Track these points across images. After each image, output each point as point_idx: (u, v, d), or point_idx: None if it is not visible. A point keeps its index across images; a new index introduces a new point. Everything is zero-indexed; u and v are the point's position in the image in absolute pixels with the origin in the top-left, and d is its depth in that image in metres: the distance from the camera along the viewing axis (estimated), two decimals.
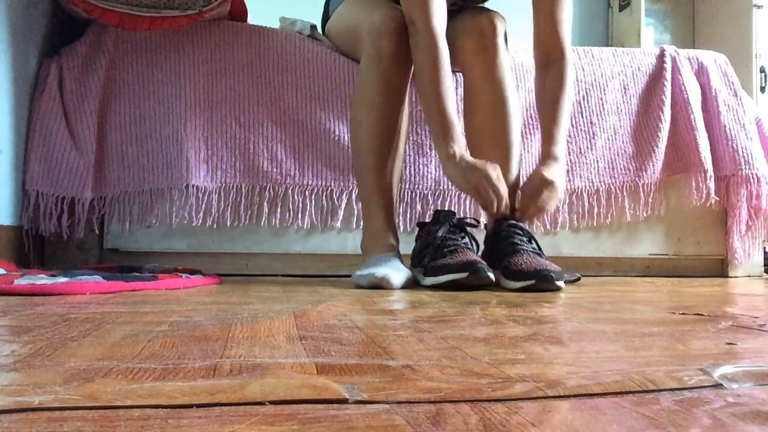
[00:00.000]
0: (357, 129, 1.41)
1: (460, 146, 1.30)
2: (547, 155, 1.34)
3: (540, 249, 1.31)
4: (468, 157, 1.28)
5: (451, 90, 1.31)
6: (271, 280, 1.49)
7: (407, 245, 1.45)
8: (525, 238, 1.31)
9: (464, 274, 1.19)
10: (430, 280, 1.26)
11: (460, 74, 1.68)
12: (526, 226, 1.34)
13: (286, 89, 1.63)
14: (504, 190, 1.27)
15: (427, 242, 1.33)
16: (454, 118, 1.30)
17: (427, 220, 1.60)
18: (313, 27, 1.74)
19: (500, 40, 1.42)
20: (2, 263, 1.26)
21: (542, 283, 1.19)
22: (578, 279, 1.42)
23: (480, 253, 1.37)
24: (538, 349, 0.57)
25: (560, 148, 1.35)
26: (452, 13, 1.50)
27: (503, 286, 1.24)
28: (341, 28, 1.58)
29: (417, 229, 1.46)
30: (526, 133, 1.66)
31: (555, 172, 1.30)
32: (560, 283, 1.20)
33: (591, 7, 3.10)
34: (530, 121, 1.69)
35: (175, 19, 1.53)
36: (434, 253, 1.29)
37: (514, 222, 1.32)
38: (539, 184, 1.29)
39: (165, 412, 0.35)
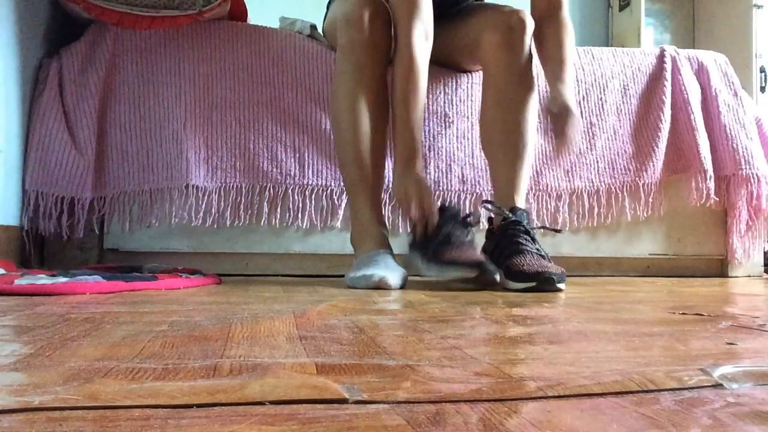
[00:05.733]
0: (336, 121, 1.41)
1: (421, 167, 1.36)
2: (557, 81, 1.39)
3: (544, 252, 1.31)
4: (422, 178, 1.33)
5: (422, 115, 1.36)
6: (271, 280, 1.49)
7: (407, 245, 1.44)
8: (529, 238, 1.30)
9: (474, 273, 1.19)
10: (435, 271, 1.25)
11: (468, 73, 1.68)
12: (530, 224, 1.34)
13: (286, 89, 1.63)
14: (433, 217, 1.30)
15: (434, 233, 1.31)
16: (420, 144, 1.36)
17: None
18: (313, 27, 1.74)
19: (528, 38, 1.43)
20: (2, 263, 1.26)
21: (543, 285, 1.19)
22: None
23: (481, 247, 1.36)
24: (538, 349, 0.56)
25: (569, 77, 1.41)
26: (468, 9, 1.51)
27: (505, 286, 1.24)
28: (329, 23, 1.58)
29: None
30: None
31: (570, 98, 1.36)
32: (561, 285, 1.20)
33: (591, 7, 3.10)
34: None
35: (174, 19, 1.53)
36: (442, 240, 1.27)
37: (519, 220, 1.31)
38: (564, 112, 1.32)
39: (165, 412, 0.35)
